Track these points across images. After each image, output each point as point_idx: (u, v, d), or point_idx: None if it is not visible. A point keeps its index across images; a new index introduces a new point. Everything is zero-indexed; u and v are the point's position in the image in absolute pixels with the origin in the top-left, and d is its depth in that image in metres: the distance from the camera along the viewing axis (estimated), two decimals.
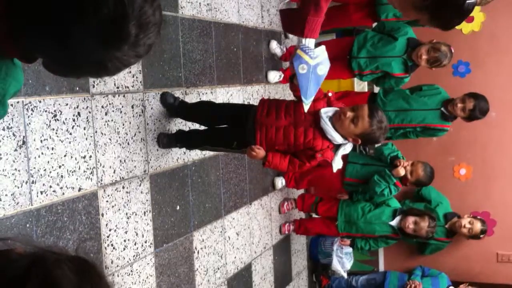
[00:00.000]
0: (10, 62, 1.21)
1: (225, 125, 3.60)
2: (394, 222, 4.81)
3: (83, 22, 1.03)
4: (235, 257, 4.48)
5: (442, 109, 4.76)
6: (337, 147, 3.29)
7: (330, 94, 3.35)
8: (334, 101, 3.34)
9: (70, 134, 2.82)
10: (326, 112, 3.23)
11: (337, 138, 3.22)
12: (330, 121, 3.21)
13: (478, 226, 5.26)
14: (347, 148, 3.31)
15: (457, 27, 5.62)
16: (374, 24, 5.09)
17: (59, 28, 1.04)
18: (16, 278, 0.84)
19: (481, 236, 5.35)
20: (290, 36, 5.30)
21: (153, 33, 1.10)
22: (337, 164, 3.32)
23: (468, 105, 4.66)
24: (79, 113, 2.88)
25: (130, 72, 3.25)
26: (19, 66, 1.24)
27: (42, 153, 2.64)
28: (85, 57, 1.07)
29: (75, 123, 2.85)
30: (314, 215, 5.55)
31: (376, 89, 5.58)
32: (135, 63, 1.15)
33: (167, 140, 3.55)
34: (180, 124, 3.75)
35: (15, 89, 1.25)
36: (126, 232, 3.22)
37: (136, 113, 3.32)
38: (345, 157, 4.95)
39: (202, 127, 3.74)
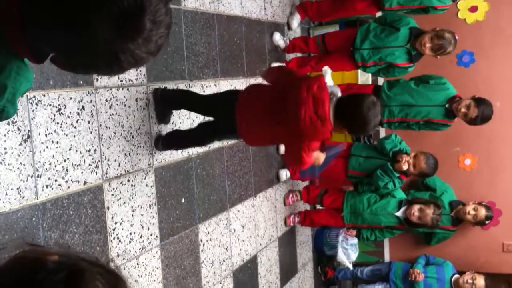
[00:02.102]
0: (21, 62, 1.22)
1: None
2: (399, 213, 4.81)
3: (102, 10, 1.05)
4: (240, 249, 4.49)
5: (447, 106, 4.74)
6: None
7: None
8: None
9: (75, 127, 2.82)
10: None
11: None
12: None
13: (483, 212, 5.27)
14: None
15: (460, 17, 5.68)
16: (378, 13, 5.08)
17: (78, 14, 1.06)
18: None
19: (487, 222, 5.36)
20: (294, 27, 5.29)
21: (164, 33, 1.14)
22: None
23: (471, 114, 4.64)
24: (83, 107, 2.88)
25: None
26: (29, 65, 1.26)
27: (47, 147, 2.65)
28: (99, 47, 1.08)
29: (80, 117, 2.86)
30: (319, 207, 5.55)
31: (380, 81, 5.57)
32: (146, 62, 1.17)
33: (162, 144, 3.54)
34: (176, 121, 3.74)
35: (25, 88, 1.27)
36: (131, 225, 3.23)
37: (140, 106, 3.33)
38: (348, 150, 4.97)
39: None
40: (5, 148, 2.43)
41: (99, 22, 1.06)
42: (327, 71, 3.26)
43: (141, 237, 3.31)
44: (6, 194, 2.44)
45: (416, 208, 4.70)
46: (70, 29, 1.08)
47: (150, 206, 3.39)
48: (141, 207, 3.31)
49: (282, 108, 3.02)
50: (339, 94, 3.03)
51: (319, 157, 3.24)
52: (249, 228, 4.64)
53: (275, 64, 4.91)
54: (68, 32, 1.09)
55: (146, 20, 1.09)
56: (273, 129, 3.11)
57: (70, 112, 2.80)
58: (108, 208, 3.04)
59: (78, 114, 2.85)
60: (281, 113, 3.02)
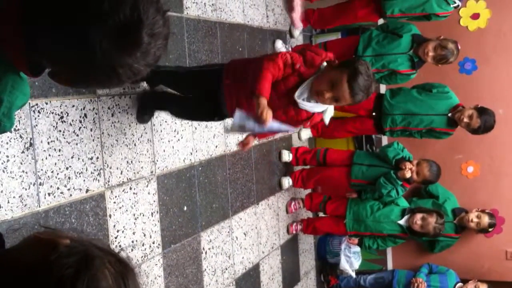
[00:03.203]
0: (17, 76, 1.22)
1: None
2: (402, 221, 4.80)
3: (100, 25, 1.05)
4: (243, 257, 4.48)
5: (450, 115, 4.75)
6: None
7: (298, 66, 2.92)
8: (305, 72, 2.92)
9: (77, 135, 2.82)
10: (301, 94, 2.90)
11: (320, 108, 2.93)
12: (309, 100, 2.92)
13: (485, 219, 5.27)
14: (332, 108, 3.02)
15: (462, 24, 5.68)
16: (380, 20, 5.08)
17: (77, 29, 1.06)
18: (64, 278, 0.88)
19: (490, 229, 5.35)
20: (296, 35, 5.29)
21: (162, 44, 1.13)
22: (329, 115, 3.02)
23: (473, 124, 4.66)
24: (85, 115, 2.88)
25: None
26: (25, 79, 1.25)
27: (49, 155, 2.65)
28: (98, 61, 1.08)
29: (82, 125, 2.86)
30: (321, 214, 5.54)
31: (382, 89, 5.57)
32: (144, 73, 1.16)
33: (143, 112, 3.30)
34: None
35: (21, 102, 1.26)
36: (134, 233, 3.22)
37: None
38: (350, 159, 4.96)
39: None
40: (7, 156, 2.43)
41: (96, 37, 1.05)
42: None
43: (143, 245, 3.30)
44: (8, 202, 2.44)
45: (418, 216, 4.69)
46: (68, 43, 1.08)
47: (152, 214, 3.38)
48: (143, 215, 3.31)
49: None
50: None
51: (265, 105, 2.76)
52: (251, 236, 4.63)
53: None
54: (66, 47, 1.08)
55: (144, 34, 1.08)
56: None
57: (73, 120, 2.79)
58: (110, 216, 3.04)
59: (80, 121, 2.85)
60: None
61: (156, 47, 1.11)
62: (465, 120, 4.66)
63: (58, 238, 0.94)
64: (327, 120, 3.04)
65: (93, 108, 2.94)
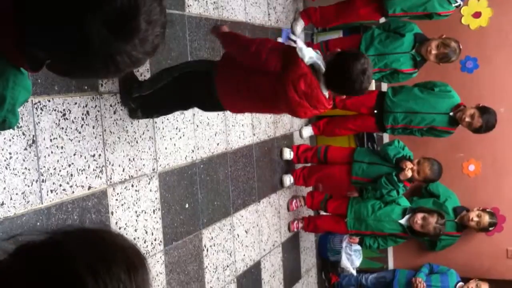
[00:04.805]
0: (18, 71, 1.21)
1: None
2: (403, 221, 4.80)
3: (96, 11, 1.04)
4: (244, 255, 4.49)
5: (451, 114, 4.75)
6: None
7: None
8: None
9: (79, 133, 2.83)
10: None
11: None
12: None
13: (486, 218, 5.27)
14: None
15: (464, 23, 5.68)
16: (382, 19, 5.09)
17: (72, 16, 1.05)
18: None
19: (490, 228, 5.36)
20: (297, 33, 5.30)
21: (160, 32, 1.12)
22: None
23: (475, 123, 4.65)
24: (88, 112, 2.89)
25: (138, 70, 3.26)
26: (26, 75, 1.24)
27: (51, 152, 2.66)
28: (95, 49, 1.07)
29: (84, 122, 2.87)
30: (322, 213, 5.55)
31: (384, 87, 5.58)
32: (143, 63, 1.16)
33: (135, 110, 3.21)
34: None
35: (24, 97, 1.25)
36: (135, 230, 3.23)
37: None
38: (351, 156, 4.96)
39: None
40: (10, 153, 2.44)
41: (93, 24, 1.04)
42: (297, 39, 3.23)
43: (145, 242, 3.31)
44: (11, 199, 2.45)
45: (419, 216, 4.69)
46: (65, 31, 1.06)
47: (154, 211, 3.39)
48: (145, 212, 3.32)
49: (270, 98, 2.92)
50: (321, 64, 2.82)
51: None
52: (252, 233, 4.64)
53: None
54: (63, 35, 1.07)
55: (141, 20, 1.07)
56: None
57: (75, 117, 2.81)
58: (112, 213, 3.05)
59: (82, 119, 2.86)
60: (269, 100, 2.94)
61: (154, 34, 1.11)
62: (467, 119, 4.66)
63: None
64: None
65: (95, 106, 2.95)
